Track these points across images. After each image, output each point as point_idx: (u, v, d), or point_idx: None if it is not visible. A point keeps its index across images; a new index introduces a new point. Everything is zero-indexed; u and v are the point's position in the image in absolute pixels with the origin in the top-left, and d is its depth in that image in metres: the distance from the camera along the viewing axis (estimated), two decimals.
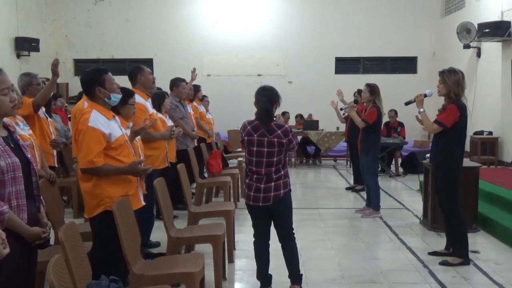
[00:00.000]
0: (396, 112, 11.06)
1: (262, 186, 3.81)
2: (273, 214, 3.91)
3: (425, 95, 5.06)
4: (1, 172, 2.33)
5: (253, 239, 4.04)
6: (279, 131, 3.81)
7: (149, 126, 4.22)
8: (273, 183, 3.82)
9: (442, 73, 4.78)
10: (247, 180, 3.92)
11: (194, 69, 7.68)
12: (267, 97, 3.87)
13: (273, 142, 3.79)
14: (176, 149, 6.20)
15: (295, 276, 3.98)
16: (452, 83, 4.70)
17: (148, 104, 5.05)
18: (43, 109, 5.40)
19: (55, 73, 5.01)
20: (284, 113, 11.36)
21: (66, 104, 9.24)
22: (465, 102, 4.81)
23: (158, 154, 5.17)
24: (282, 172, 3.87)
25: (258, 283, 4.27)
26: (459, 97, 4.74)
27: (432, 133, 4.96)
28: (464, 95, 4.80)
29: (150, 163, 4.52)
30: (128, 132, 3.91)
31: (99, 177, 3.33)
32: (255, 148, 3.81)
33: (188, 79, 7.52)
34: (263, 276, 3.99)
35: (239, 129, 3.99)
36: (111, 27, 14.51)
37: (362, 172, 7.13)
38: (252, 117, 3.93)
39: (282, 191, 3.85)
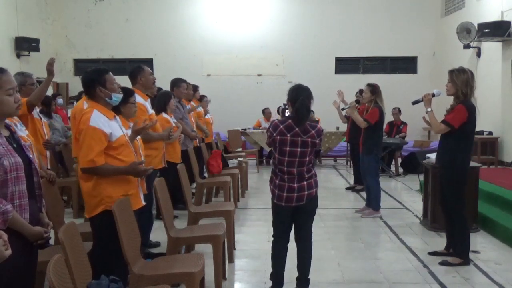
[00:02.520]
0: (399, 110, 11.06)
1: (296, 185, 3.78)
2: (301, 213, 3.87)
3: (433, 95, 5.02)
4: (4, 171, 2.34)
5: (272, 240, 3.99)
6: (313, 131, 3.79)
7: (149, 126, 4.23)
8: (305, 182, 3.80)
9: (451, 72, 4.73)
10: (277, 181, 3.83)
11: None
12: (305, 96, 3.78)
13: (307, 142, 3.76)
14: None
15: (303, 280, 3.96)
16: (461, 82, 4.65)
17: (148, 104, 5.05)
18: (37, 109, 5.36)
19: (50, 73, 4.98)
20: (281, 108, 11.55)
21: (66, 105, 9.22)
22: (475, 102, 4.75)
23: (156, 154, 5.16)
24: (313, 171, 3.88)
25: (258, 283, 4.28)
26: (468, 97, 4.68)
27: (440, 134, 4.92)
28: (473, 95, 4.76)
29: (147, 162, 4.52)
30: (129, 132, 3.93)
31: (100, 176, 3.34)
32: (288, 148, 3.75)
33: (187, 79, 7.51)
34: (278, 277, 3.95)
35: (268, 128, 3.88)
36: (111, 27, 14.51)
37: (362, 172, 7.11)
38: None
39: (314, 190, 3.85)
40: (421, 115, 5.42)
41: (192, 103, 8.15)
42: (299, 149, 3.76)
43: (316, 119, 10.74)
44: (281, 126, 3.79)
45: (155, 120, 4.70)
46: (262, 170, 11.19)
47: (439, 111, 4.99)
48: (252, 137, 11.70)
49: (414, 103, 5.31)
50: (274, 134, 3.79)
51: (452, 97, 4.81)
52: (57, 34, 14.50)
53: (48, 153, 5.29)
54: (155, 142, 5.11)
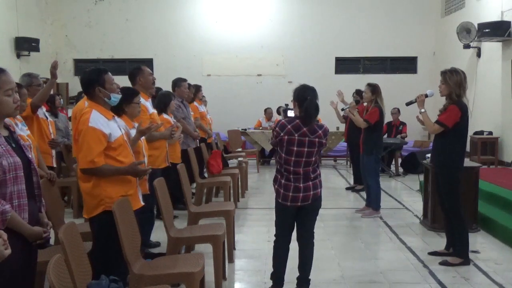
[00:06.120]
0: (399, 110, 11.06)
1: (302, 185, 3.77)
2: (305, 213, 3.87)
3: (426, 96, 5.05)
4: (3, 171, 2.34)
5: (274, 239, 3.98)
6: (320, 131, 3.80)
7: (155, 127, 4.26)
8: (311, 182, 3.80)
9: (444, 73, 4.76)
10: (282, 181, 3.81)
11: None
12: (313, 96, 3.80)
13: (314, 142, 3.77)
14: None
15: (304, 280, 3.95)
16: (454, 83, 4.67)
17: (148, 104, 5.06)
18: (44, 109, 5.40)
19: (54, 75, 5.01)
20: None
21: (66, 105, 9.23)
22: (466, 102, 4.79)
23: (159, 154, 5.19)
24: (318, 171, 3.89)
25: (258, 283, 4.28)
26: (461, 98, 4.72)
27: (433, 134, 4.95)
28: (465, 96, 4.78)
29: (151, 162, 4.55)
30: (132, 131, 3.95)
31: (99, 177, 3.33)
32: (295, 148, 3.75)
33: (187, 79, 7.51)
34: (279, 277, 3.94)
35: (275, 128, 3.86)
36: (111, 27, 14.50)
37: (362, 172, 7.10)
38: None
39: (319, 190, 3.86)
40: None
41: (195, 103, 8.14)
42: (306, 149, 3.76)
43: (317, 119, 10.71)
44: (289, 126, 3.78)
45: (161, 123, 4.72)
46: (262, 170, 11.19)
47: (436, 111, 5.01)
48: (252, 137, 11.69)
49: (408, 104, 5.34)
50: (282, 134, 3.78)
51: (443, 98, 4.85)
52: (57, 34, 14.49)
53: (53, 152, 5.33)
54: (157, 141, 5.12)
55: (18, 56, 12.29)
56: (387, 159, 10.60)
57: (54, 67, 4.98)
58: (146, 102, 4.99)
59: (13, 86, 2.48)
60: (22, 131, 4.19)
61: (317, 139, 3.78)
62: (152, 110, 5.12)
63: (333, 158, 12.78)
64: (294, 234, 3.98)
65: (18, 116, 4.33)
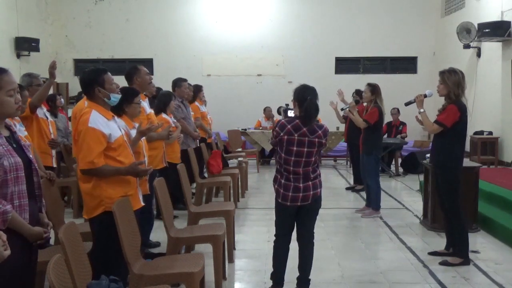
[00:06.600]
0: (398, 110, 11.06)
1: (301, 185, 3.78)
2: (305, 213, 3.87)
3: (425, 96, 5.06)
4: (4, 171, 2.34)
5: (273, 239, 3.99)
6: (320, 131, 3.81)
7: (156, 127, 4.25)
8: (310, 182, 3.80)
9: (442, 74, 4.77)
10: (282, 180, 3.81)
11: None
12: (313, 96, 3.81)
13: (314, 142, 3.78)
14: None
15: (304, 280, 3.95)
16: (452, 83, 4.68)
17: (145, 104, 5.05)
18: (44, 108, 5.40)
19: (52, 75, 5.02)
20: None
21: (66, 105, 9.22)
22: (465, 102, 4.80)
23: (156, 154, 5.18)
24: (318, 171, 3.90)
25: (258, 283, 4.28)
26: (459, 98, 4.74)
27: (433, 134, 4.96)
28: (464, 95, 4.79)
29: (148, 163, 4.56)
30: (132, 132, 3.95)
31: (99, 178, 3.32)
32: (295, 148, 3.75)
33: (188, 79, 7.51)
34: (279, 277, 3.95)
35: (275, 127, 3.87)
36: (111, 27, 14.51)
37: (362, 172, 7.10)
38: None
39: (319, 190, 3.86)
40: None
41: (196, 103, 8.14)
42: (305, 149, 3.76)
43: (317, 119, 10.70)
44: (289, 126, 3.78)
45: (161, 123, 4.73)
46: (262, 170, 11.19)
47: (436, 111, 5.02)
48: (252, 137, 11.70)
49: (407, 104, 5.35)
50: (281, 134, 3.79)
51: (442, 98, 4.86)
52: (57, 34, 14.48)
53: (53, 152, 5.32)
54: (154, 142, 5.11)
55: (18, 56, 12.29)
56: (387, 159, 10.60)
57: (52, 67, 4.98)
58: (143, 102, 4.98)
59: (15, 86, 2.49)
60: (20, 131, 4.18)
61: (316, 139, 3.79)
62: (149, 110, 5.11)
63: (333, 158, 12.78)
64: (294, 234, 3.98)
65: (17, 117, 4.33)
